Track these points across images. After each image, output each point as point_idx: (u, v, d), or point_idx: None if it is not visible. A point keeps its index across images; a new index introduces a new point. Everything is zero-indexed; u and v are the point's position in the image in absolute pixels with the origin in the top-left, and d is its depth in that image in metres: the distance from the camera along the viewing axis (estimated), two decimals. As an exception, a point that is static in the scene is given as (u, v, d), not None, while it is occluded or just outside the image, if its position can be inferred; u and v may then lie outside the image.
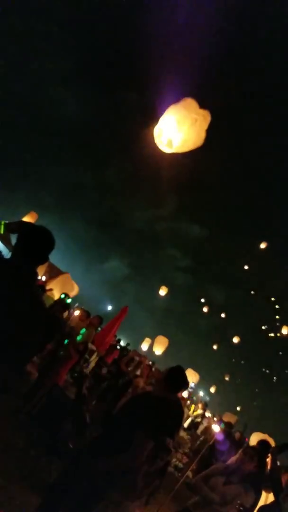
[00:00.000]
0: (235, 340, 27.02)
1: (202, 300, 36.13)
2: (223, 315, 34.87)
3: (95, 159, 40.86)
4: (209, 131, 4.69)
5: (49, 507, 3.03)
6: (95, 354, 8.22)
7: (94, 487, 2.92)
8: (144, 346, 15.66)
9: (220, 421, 10.13)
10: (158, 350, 14.18)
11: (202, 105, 4.59)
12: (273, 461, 4.98)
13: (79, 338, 6.54)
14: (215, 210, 40.53)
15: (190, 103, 4.46)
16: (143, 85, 37.26)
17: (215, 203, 39.70)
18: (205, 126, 4.53)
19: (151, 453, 3.54)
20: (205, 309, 35.59)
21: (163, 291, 23.84)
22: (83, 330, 6.94)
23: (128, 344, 13.42)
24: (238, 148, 36.30)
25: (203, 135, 4.59)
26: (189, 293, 40.33)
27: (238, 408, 28.09)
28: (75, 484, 2.98)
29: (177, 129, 4.33)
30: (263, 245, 23.38)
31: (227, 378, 30.22)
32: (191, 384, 10.09)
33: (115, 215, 43.44)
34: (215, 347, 32.26)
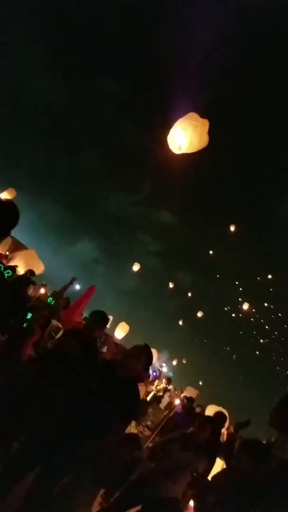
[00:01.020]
0: (199, 315, 27.62)
1: (170, 284, 36.59)
2: (189, 296, 35.55)
3: (70, 142, 39.99)
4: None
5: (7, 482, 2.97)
6: (61, 331, 8.12)
7: (60, 467, 2.88)
8: (106, 323, 15.58)
9: (183, 397, 10.33)
10: (120, 334, 14.22)
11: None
12: (235, 434, 5.12)
13: (49, 299, 6.41)
14: (185, 198, 40.67)
15: (191, 115, 5.57)
16: (119, 73, 36.62)
17: (185, 191, 39.85)
18: (205, 130, 5.57)
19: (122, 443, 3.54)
20: (172, 292, 36.14)
21: (136, 267, 24.59)
22: (50, 299, 6.81)
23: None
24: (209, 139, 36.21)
25: (205, 137, 5.62)
26: (158, 276, 40.61)
27: (200, 383, 29.20)
28: (40, 460, 2.93)
29: (183, 135, 5.50)
30: (232, 228, 23.70)
31: (184, 361, 30.96)
32: (162, 365, 10.23)
33: (87, 199, 42.88)
34: (180, 322, 33.04)
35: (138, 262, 31.34)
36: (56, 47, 36.22)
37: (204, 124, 5.51)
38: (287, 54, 31.81)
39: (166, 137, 5.70)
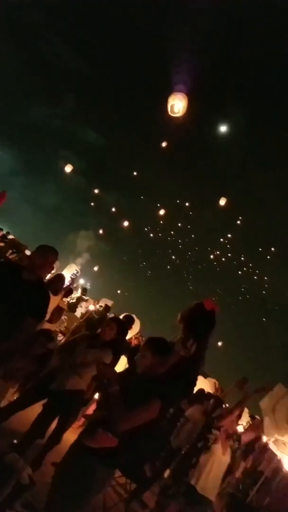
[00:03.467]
0: (119, 232, 27.77)
1: (92, 203, 36.14)
2: (111, 213, 35.57)
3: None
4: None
5: None
6: None
7: None
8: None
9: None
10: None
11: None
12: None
13: None
14: (112, 119, 38.42)
15: (177, 93, 9.26)
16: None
17: (113, 112, 37.57)
18: (185, 99, 9.20)
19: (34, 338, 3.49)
20: (94, 210, 35.77)
21: (68, 168, 23.56)
22: None
23: (8, 233, 12.79)
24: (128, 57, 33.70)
25: (186, 105, 9.19)
26: (80, 194, 39.33)
27: (118, 291, 30.95)
28: None
29: (178, 106, 9.29)
30: (164, 144, 23.17)
31: (101, 272, 31.81)
32: (74, 272, 10.17)
33: (6, 106, 38.32)
34: (101, 231, 33.58)
35: (60, 178, 30.06)
36: None
37: (184, 97, 9.19)
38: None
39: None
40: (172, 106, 9.23)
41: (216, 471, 3.68)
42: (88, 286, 18.19)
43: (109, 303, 11.79)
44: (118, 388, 2.25)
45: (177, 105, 9.22)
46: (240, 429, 6.98)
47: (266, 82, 32.41)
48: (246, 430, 3.79)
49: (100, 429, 2.16)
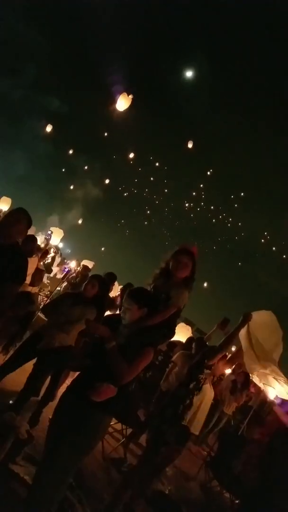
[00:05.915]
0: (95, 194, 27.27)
1: (63, 169, 35.07)
2: (85, 175, 34.77)
3: None
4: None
5: None
6: None
7: None
8: None
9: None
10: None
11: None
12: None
13: None
14: (73, 83, 36.35)
15: (124, 95, 11.23)
16: None
17: (73, 75, 35.49)
18: (129, 98, 11.23)
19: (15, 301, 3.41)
20: (67, 174, 34.78)
21: (49, 128, 23.93)
22: None
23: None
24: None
25: (130, 99, 11.24)
26: (51, 160, 37.92)
27: (102, 249, 30.73)
28: None
29: (124, 103, 11.30)
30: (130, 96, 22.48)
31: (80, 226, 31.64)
32: (48, 232, 9.94)
33: None
34: (72, 187, 33.30)
35: (28, 146, 28.89)
36: None
37: (128, 97, 11.14)
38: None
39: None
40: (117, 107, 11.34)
41: (204, 408, 3.82)
42: (68, 250, 17.99)
43: (90, 264, 11.68)
44: (115, 344, 2.22)
45: (121, 105, 11.16)
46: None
47: (229, 22, 31.00)
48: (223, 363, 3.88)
49: (104, 384, 2.16)
